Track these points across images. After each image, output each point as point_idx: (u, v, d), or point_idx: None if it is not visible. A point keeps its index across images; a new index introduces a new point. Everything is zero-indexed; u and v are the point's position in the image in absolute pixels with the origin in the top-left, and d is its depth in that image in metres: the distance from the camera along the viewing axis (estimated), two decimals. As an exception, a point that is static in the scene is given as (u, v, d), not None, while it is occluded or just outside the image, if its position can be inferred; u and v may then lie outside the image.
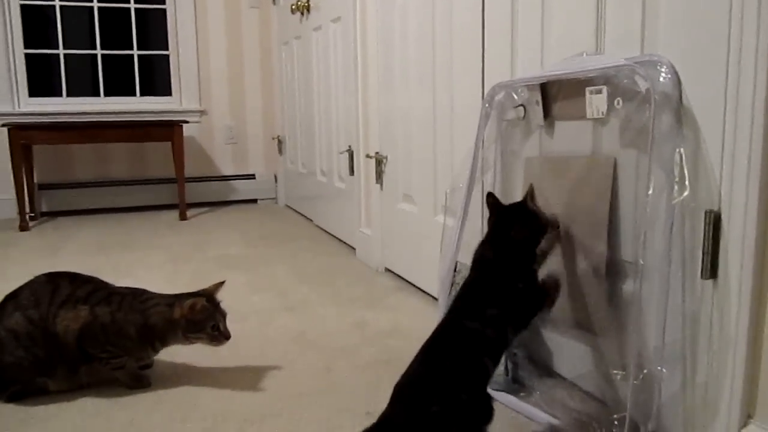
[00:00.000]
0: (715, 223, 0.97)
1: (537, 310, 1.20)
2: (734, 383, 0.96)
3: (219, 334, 1.38)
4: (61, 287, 1.36)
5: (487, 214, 1.26)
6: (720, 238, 0.97)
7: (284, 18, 3.84)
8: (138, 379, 1.42)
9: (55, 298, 1.35)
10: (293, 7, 3.40)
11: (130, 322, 1.36)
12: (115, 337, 1.35)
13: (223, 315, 1.41)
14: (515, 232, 1.17)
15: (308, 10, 3.30)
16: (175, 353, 1.56)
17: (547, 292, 1.22)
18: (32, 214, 3.69)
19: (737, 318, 0.95)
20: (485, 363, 1.07)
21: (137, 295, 1.41)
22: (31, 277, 1.40)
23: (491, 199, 1.23)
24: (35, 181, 3.82)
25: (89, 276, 1.43)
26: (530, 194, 1.26)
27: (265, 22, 4.28)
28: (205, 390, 1.41)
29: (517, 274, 1.16)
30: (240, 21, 4.26)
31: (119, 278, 1.57)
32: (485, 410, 1.06)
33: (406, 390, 1.05)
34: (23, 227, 3.40)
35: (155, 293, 1.43)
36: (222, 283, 1.45)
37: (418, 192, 2.10)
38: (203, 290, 1.42)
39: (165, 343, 1.40)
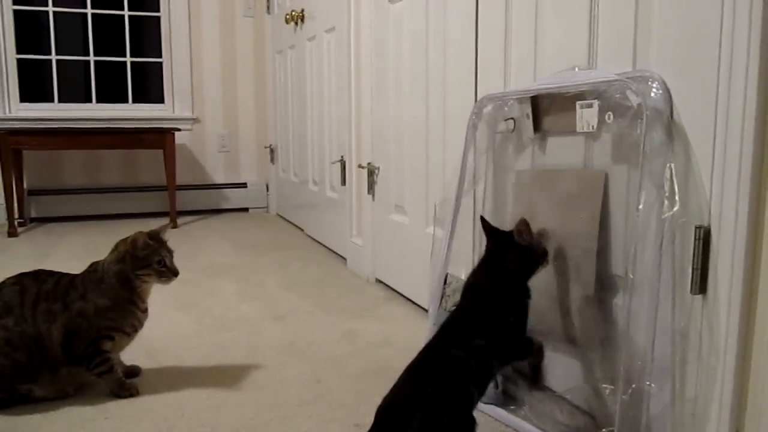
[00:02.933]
0: (704, 238, 0.97)
1: (522, 354, 1.20)
2: (723, 398, 0.96)
3: (166, 269, 1.40)
4: (27, 287, 1.36)
5: (477, 225, 1.26)
6: (710, 253, 0.97)
7: (278, 27, 3.85)
8: (125, 387, 1.40)
9: (24, 299, 1.34)
10: (288, 16, 3.41)
11: (100, 293, 1.37)
12: (98, 317, 1.35)
13: (170, 251, 1.43)
14: (509, 262, 1.16)
15: (303, 20, 3.31)
16: (162, 361, 1.55)
17: (532, 346, 1.21)
18: (21, 220, 3.67)
19: (726, 333, 0.95)
20: (469, 390, 1.05)
21: (90, 269, 1.42)
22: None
23: (486, 224, 1.22)
24: (25, 186, 3.79)
25: (50, 270, 1.43)
26: (525, 225, 1.19)
27: (259, 31, 4.28)
28: (192, 399, 1.39)
29: (509, 307, 1.15)
30: (234, 30, 4.27)
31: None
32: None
33: (389, 413, 1.03)
34: (12, 233, 3.37)
35: (99, 260, 1.44)
36: (167, 225, 1.52)
37: (409, 203, 2.10)
38: (148, 230, 1.45)
39: (137, 293, 1.40)
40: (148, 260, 1.39)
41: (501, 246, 1.19)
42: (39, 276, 1.39)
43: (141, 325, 1.44)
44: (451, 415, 1.02)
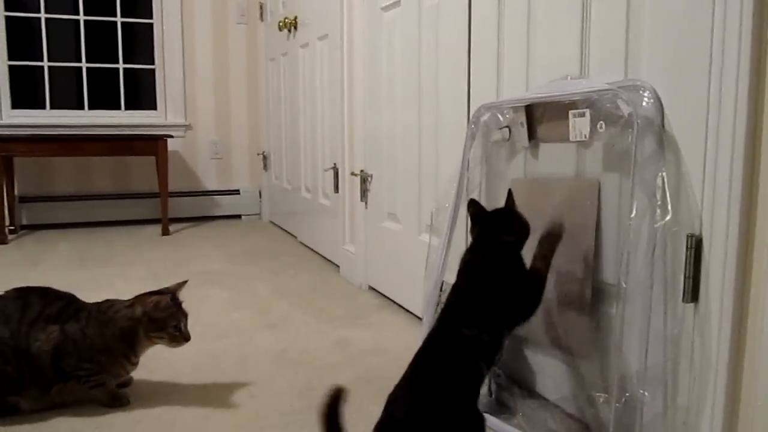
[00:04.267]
0: (696, 247, 0.97)
1: (532, 311, 1.19)
2: (715, 406, 0.96)
3: (180, 335, 1.37)
4: (32, 304, 1.34)
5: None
6: (701, 262, 0.98)
7: (271, 34, 3.85)
8: (116, 397, 1.39)
9: (25, 315, 1.32)
10: (281, 23, 3.41)
11: (101, 336, 1.34)
12: (89, 353, 1.33)
13: (185, 315, 1.39)
14: (504, 237, 1.17)
15: (295, 27, 3.32)
16: (153, 371, 1.54)
17: (540, 280, 1.21)
18: (12, 227, 3.64)
19: (718, 341, 0.95)
20: (480, 367, 1.07)
21: (101, 306, 1.39)
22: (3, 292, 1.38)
23: (474, 207, 1.23)
24: (16, 193, 3.77)
25: (60, 291, 1.41)
26: (511, 198, 1.24)
27: (252, 38, 4.29)
28: (183, 409, 1.38)
29: (510, 276, 1.16)
30: (227, 37, 4.27)
31: (100, 293, 1.55)
32: (477, 420, 1.05)
33: (401, 394, 1.04)
34: (2, 240, 3.35)
35: (115, 300, 1.41)
36: (185, 282, 1.44)
37: (402, 211, 2.10)
38: (166, 288, 1.41)
39: (135, 350, 1.38)
40: (165, 324, 1.35)
41: (493, 222, 1.20)
42: (46, 295, 1.37)
43: (127, 374, 1.44)
44: (463, 400, 1.03)
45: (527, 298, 1.18)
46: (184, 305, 1.40)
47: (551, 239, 1.21)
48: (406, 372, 1.07)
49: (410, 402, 1.02)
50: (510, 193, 1.23)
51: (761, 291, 0.91)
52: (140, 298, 1.37)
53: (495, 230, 1.19)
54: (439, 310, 1.45)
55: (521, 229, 1.19)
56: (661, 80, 1.03)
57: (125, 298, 1.42)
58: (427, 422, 0.99)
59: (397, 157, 2.11)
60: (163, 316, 1.35)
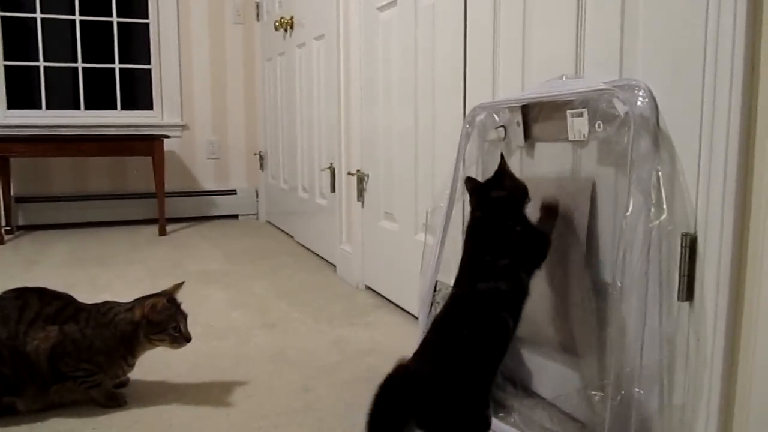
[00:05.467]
0: (691, 245, 0.98)
1: (543, 253, 1.20)
2: (710, 405, 0.97)
3: (180, 336, 1.37)
4: (30, 304, 1.34)
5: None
6: (696, 260, 0.98)
7: (268, 34, 3.85)
8: (113, 397, 1.39)
9: (23, 315, 1.32)
10: (277, 24, 3.41)
11: (100, 338, 1.34)
12: (87, 354, 1.33)
13: (184, 316, 1.39)
14: (497, 192, 1.20)
15: (292, 27, 3.32)
16: (150, 371, 1.54)
17: (544, 234, 1.21)
18: (8, 228, 3.64)
19: (713, 340, 0.96)
20: (503, 317, 1.09)
21: (100, 308, 1.39)
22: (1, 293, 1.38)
23: (470, 182, 1.25)
24: (12, 194, 3.76)
25: (58, 292, 1.41)
26: (503, 161, 1.26)
27: (248, 38, 4.28)
28: (180, 409, 1.38)
29: (512, 225, 1.17)
30: (224, 36, 4.26)
31: (97, 293, 1.55)
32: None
33: (422, 351, 1.06)
34: (-2, 241, 3.34)
35: (115, 303, 1.41)
36: (181, 283, 1.44)
37: (399, 210, 2.11)
38: (163, 291, 1.41)
39: (133, 352, 1.38)
40: (164, 325, 1.36)
41: (486, 184, 1.23)
42: (44, 295, 1.37)
43: (124, 375, 1.44)
44: (489, 356, 1.04)
45: (533, 244, 1.18)
46: (182, 306, 1.40)
47: (550, 213, 1.23)
48: (426, 336, 1.08)
49: (432, 359, 1.03)
50: (502, 155, 1.26)
51: (756, 289, 0.92)
52: (139, 302, 1.38)
53: (489, 190, 1.21)
54: (434, 311, 1.45)
55: (514, 185, 1.21)
56: (655, 79, 1.04)
57: (123, 300, 1.43)
58: (450, 377, 0.99)
59: (394, 157, 2.11)
60: (161, 318, 1.35)
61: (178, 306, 1.39)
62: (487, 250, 1.15)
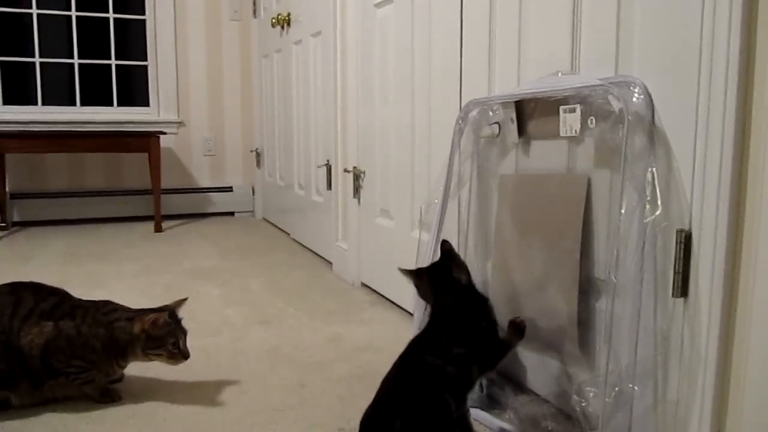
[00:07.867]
0: (686, 242, 0.98)
1: (500, 354, 1.19)
2: (704, 401, 0.97)
3: (178, 352, 1.36)
4: (24, 300, 1.33)
5: (462, 229, 1.26)
6: (691, 257, 0.98)
7: (265, 31, 3.84)
8: (107, 393, 1.39)
9: (18, 310, 1.31)
10: (274, 20, 3.41)
11: (95, 336, 1.33)
12: (81, 351, 1.33)
13: (184, 333, 1.39)
14: (459, 276, 1.19)
15: (289, 24, 3.31)
16: (145, 367, 1.54)
17: (509, 343, 1.21)
18: (3, 224, 3.63)
19: (707, 336, 0.96)
20: (444, 399, 1.06)
21: (100, 307, 1.38)
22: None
23: (425, 272, 1.26)
24: (7, 189, 3.75)
25: (53, 287, 1.40)
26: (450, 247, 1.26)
27: (245, 35, 4.27)
28: (175, 405, 1.38)
29: (477, 314, 1.18)
30: (220, 33, 4.25)
31: (92, 290, 1.55)
32: None
33: (370, 425, 1.05)
34: (-7, 237, 3.34)
35: (118, 306, 1.41)
36: (185, 299, 1.44)
37: (395, 207, 2.11)
38: (165, 306, 1.40)
39: (125, 359, 1.38)
40: (163, 341, 1.35)
41: (445, 267, 1.22)
42: (39, 291, 1.36)
43: (115, 375, 1.44)
44: (429, 426, 1.02)
45: (492, 347, 1.18)
46: (183, 322, 1.39)
47: (516, 330, 1.21)
48: (377, 393, 1.08)
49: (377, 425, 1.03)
50: (445, 242, 1.26)
51: (750, 285, 0.92)
52: (141, 315, 1.36)
53: (450, 271, 1.20)
54: (428, 308, 1.45)
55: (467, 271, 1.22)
56: (651, 76, 1.04)
57: (124, 303, 1.42)
58: None
59: (390, 154, 2.11)
60: (161, 334, 1.35)
61: (178, 321, 1.38)
62: (445, 333, 1.14)
